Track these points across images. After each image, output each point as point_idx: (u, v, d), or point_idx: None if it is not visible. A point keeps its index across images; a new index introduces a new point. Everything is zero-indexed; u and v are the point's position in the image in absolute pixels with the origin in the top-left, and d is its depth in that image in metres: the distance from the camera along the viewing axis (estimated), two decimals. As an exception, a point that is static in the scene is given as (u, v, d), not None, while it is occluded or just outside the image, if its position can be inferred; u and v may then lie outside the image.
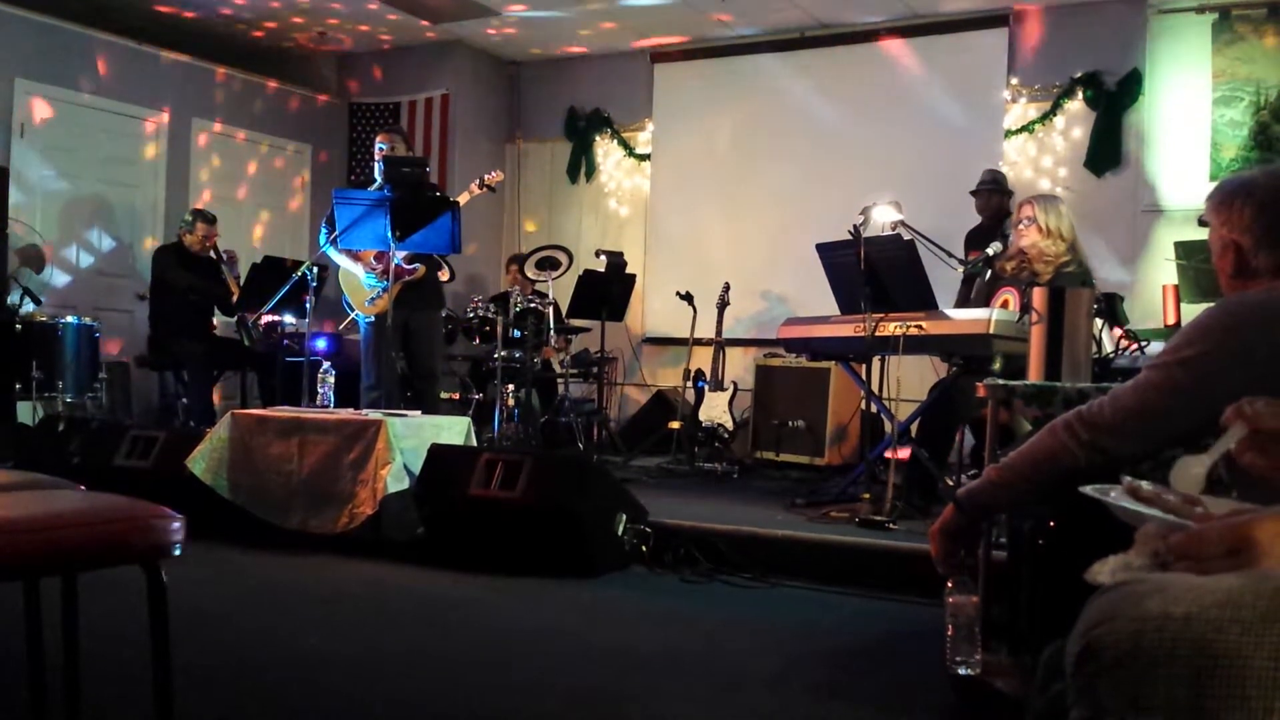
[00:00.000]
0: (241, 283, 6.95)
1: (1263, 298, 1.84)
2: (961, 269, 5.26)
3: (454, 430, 4.74)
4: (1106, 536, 1.65)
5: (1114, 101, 7.10)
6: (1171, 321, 5.90)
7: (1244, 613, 1.15)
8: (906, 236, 4.80)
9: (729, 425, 6.72)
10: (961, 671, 2.16)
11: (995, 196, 6.57)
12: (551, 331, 6.95)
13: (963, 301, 5.31)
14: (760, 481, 6.16)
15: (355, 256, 5.68)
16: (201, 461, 4.65)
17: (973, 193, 6.65)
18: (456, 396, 7.25)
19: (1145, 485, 1.52)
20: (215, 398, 7.18)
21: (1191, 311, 5.51)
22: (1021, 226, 4.60)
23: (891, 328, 4.50)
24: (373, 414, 4.64)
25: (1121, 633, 1.20)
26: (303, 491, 4.48)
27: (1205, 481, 1.48)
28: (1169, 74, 6.99)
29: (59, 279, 7.45)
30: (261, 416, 4.73)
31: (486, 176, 5.78)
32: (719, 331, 6.92)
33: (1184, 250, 5.76)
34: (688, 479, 6.12)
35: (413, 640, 3.13)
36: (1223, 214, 1.93)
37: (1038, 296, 3.06)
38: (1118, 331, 3.89)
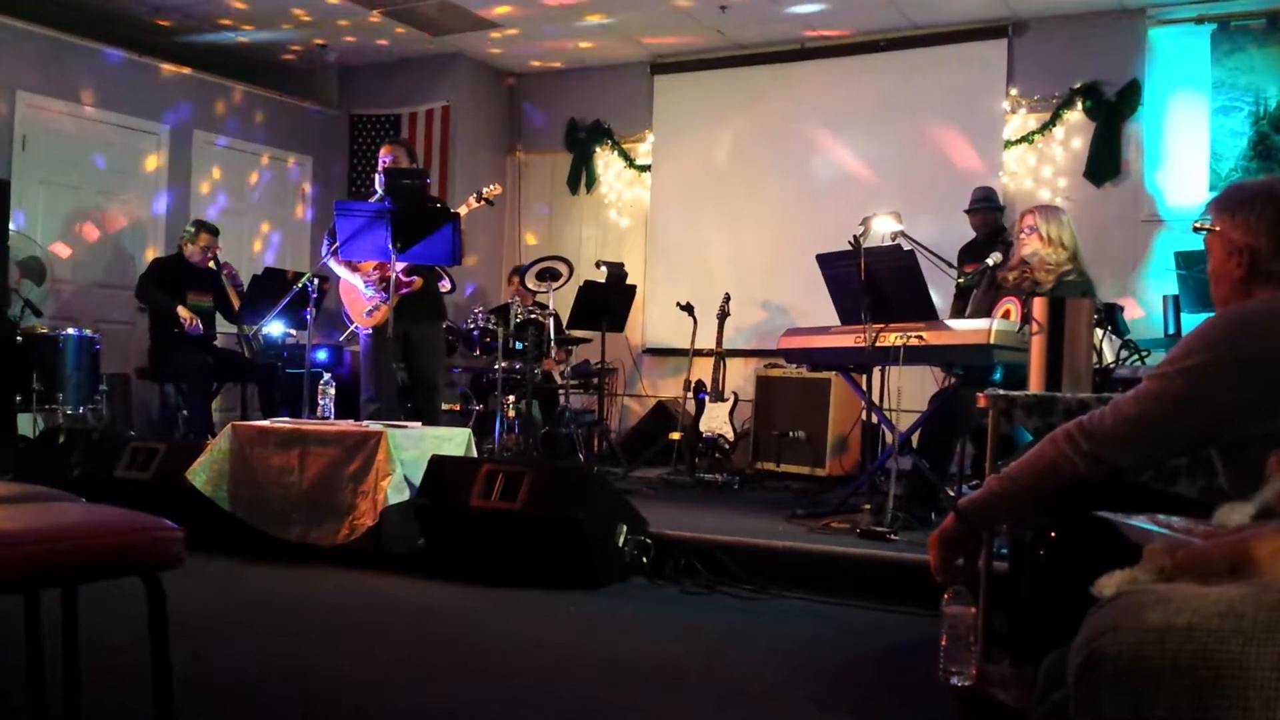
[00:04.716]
0: (242, 294, 6.96)
1: (1263, 308, 1.85)
2: (957, 282, 5.26)
3: (455, 442, 4.74)
4: (1107, 546, 1.65)
5: (1113, 112, 7.11)
6: (1172, 331, 5.91)
7: (1246, 623, 1.15)
8: (906, 247, 4.80)
9: (730, 436, 6.72)
10: (954, 681, 2.16)
11: (990, 213, 6.55)
12: (552, 343, 6.95)
13: (956, 315, 5.31)
14: (761, 492, 6.16)
15: (354, 268, 5.69)
16: (202, 473, 4.64)
17: (967, 211, 6.63)
18: (457, 408, 7.25)
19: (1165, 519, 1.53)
20: (215, 410, 7.18)
21: (1192, 321, 5.53)
22: (1023, 236, 4.61)
23: (892, 338, 4.49)
24: (373, 425, 4.64)
25: (1124, 643, 1.20)
26: (303, 503, 4.47)
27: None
28: (1168, 84, 7.01)
29: (60, 291, 7.44)
30: (262, 428, 4.72)
31: (485, 190, 5.78)
32: (719, 342, 6.92)
33: (1184, 260, 5.78)
34: (689, 490, 6.11)
35: (413, 651, 3.13)
36: (1237, 218, 1.92)
37: (1038, 307, 3.05)
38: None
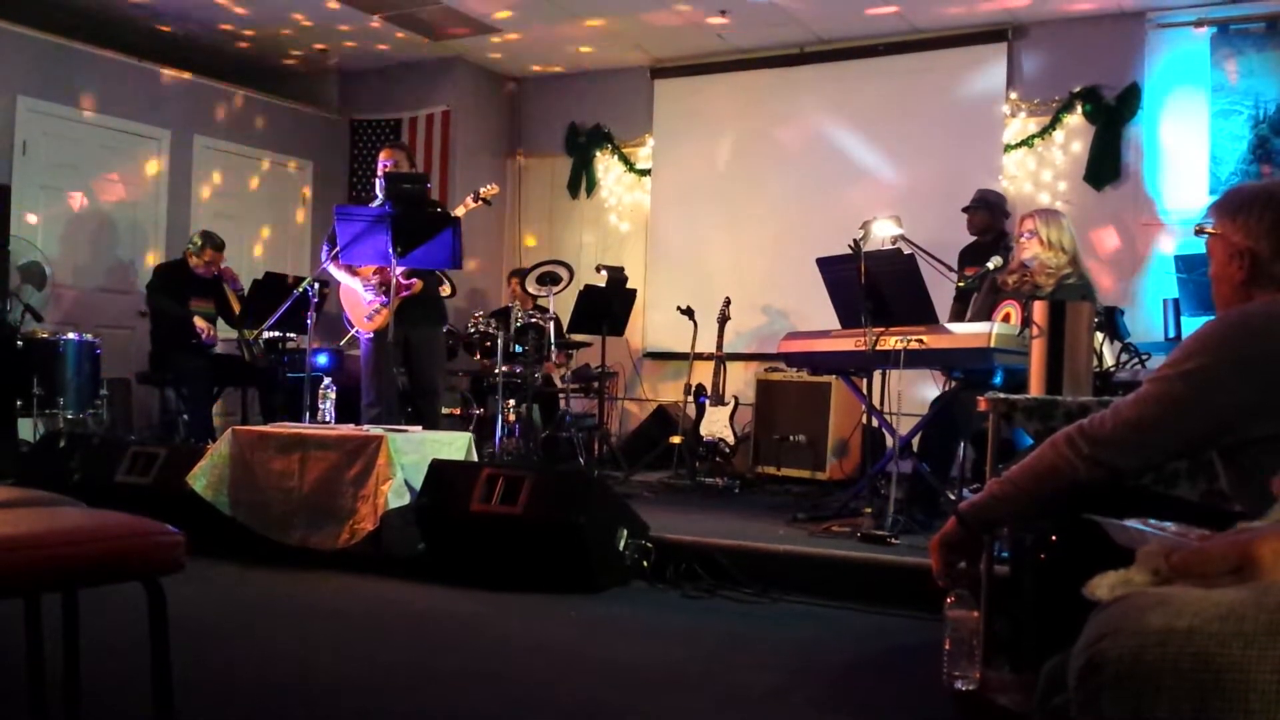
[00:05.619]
0: (243, 299, 6.96)
1: (1264, 310, 1.85)
2: (957, 285, 5.26)
3: (455, 446, 4.74)
4: (1108, 550, 1.65)
5: (1113, 115, 7.11)
6: (1172, 335, 5.91)
7: (1247, 626, 1.15)
8: (906, 251, 4.81)
9: (730, 440, 6.71)
10: (959, 685, 2.16)
11: (987, 215, 6.52)
12: (552, 347, 6.95)
13: (956, 318, 5.31)
14: (761, 496, 6.15)
15: (354, 273, 5.69)
16: (202, 478, 4.64)
17: (965, 210, 6.61)
18: (458, 412, 7.24)
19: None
20: (215, 414, 7.17)
21: (1192, 324, 5.53)
22: (1024, 239, 4.61)
23: (892, 342, 4.49)
24: (374, 430, 4.64)
25: (1125, 647, 1.20)
26: (304, 508, 4.47)
27: None
28: (1168, 88, 7.01)
29: (60, 296, 7.44)
30: (262, 433, 4.73)
31: (482, 190, 5.78)
32: (720, 346, 6.92)
33: (1185, 264, 5.78)
34: (689, 494, 6.10)
35: (413, 655, 3.13)
36: (1238, 221, 1.92)
37: (1038, 310, 3.06)
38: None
